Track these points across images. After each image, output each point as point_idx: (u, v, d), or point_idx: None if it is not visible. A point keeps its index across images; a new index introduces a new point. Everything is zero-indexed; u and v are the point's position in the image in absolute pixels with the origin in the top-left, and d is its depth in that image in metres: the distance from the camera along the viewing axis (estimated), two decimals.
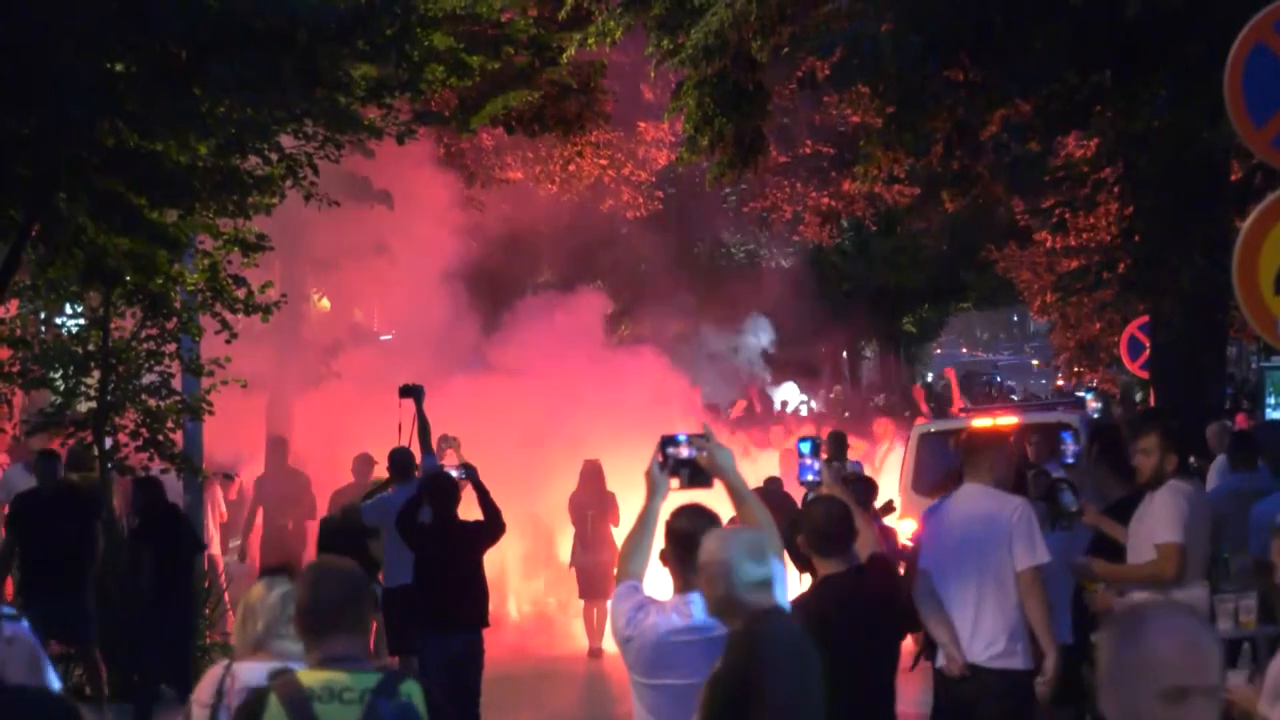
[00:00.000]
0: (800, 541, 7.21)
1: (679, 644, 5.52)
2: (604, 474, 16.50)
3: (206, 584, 14.75)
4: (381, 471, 13.93)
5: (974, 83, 13.27)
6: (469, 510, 11.43)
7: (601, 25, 16.94)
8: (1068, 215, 19.09)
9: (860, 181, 17.38)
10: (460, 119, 19.02)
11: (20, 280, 13.60)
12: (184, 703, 5.84)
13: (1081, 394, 30.07)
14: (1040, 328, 56.58)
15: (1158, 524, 8.12)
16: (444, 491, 11.19)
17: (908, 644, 8.53)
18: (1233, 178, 15.91)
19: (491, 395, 17.77)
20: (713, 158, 17.28)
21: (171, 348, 14.43)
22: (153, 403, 14.34)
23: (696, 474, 5.72)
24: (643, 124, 25.03)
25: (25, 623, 7.06)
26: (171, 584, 12.49)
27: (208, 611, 14.55)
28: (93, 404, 14.38)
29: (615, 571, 5.90)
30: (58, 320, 18.69)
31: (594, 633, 16.34)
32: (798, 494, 9.81)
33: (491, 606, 11.61)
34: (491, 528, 11.32)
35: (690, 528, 5.62)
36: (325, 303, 23.17)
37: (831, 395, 38.53)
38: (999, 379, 56.45)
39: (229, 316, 14.58)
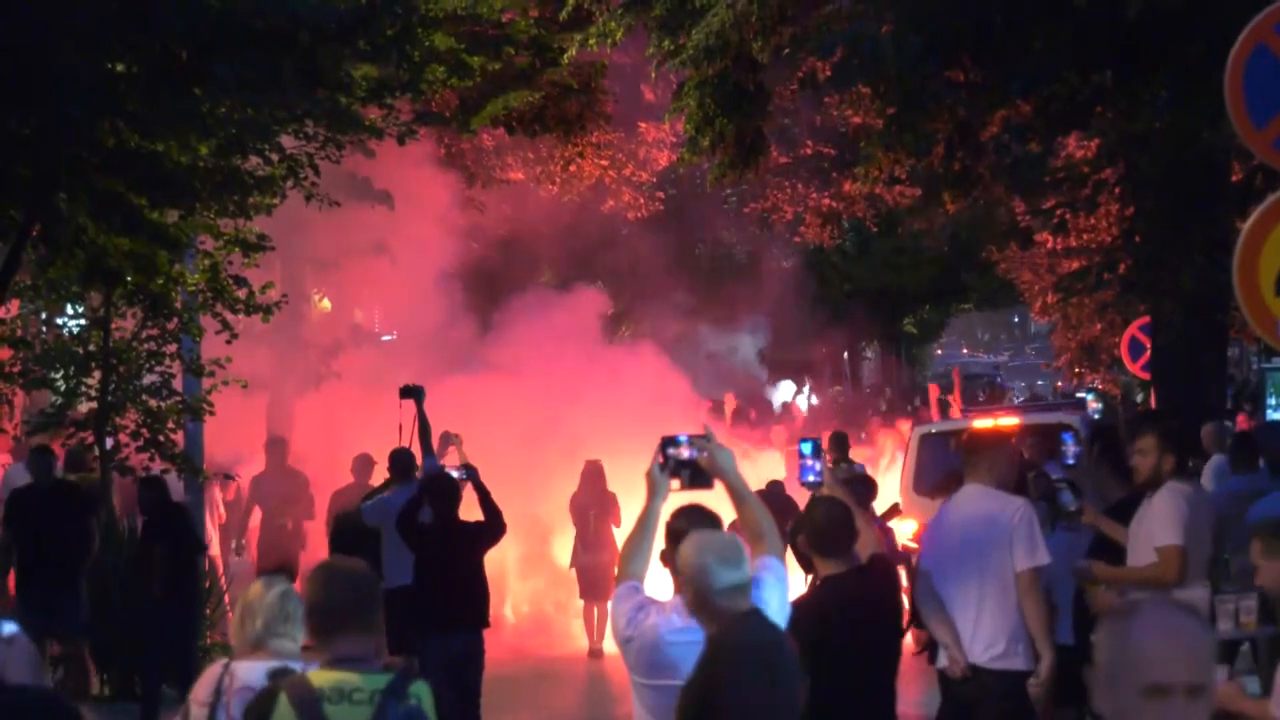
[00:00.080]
0: (801, 542, 7.21)
1: (679, 645, 5.51)
2: (605, 474, 16.50)
3: (207, 584, 14.75)
4: (382, 472, 13.92)
5: (975, 83, 13.28)
6: (470, 511, 11.43)
7: (602, 26, 16.94)
8: (1068, 216, 19.07)
9: (861, 182, 17.38)
10: (461, 119, 19.04)
11: (21, 280, 13.60)
12: (184, 702, 5.84)
13: (1081, 395, 30.08)
14: (1041, 329, 56.55)
15: (1157, 526, 8.11)
16: (444, 492, 11.19)
17: (908, 644, 8.53)
18: (1233, 179, 15.91)
19: (491, 395, 17.76)
20: (713, 158, 17.29)
21: (172, 348, 14.43)
22: (153, 403, 14.34)
23: (697, 475, 5.72)
24: (643, 124, 25.04)
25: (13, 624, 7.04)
26: (175, 584, 12.49)
27: (208, 612, 14.54)
28: (93, 404, 14.38)
29: (616, 572, 5.90)
30: (58, 320, 18.71)
31: (594, 633, 16.34)
32: (798, 495, 9.80)
33: (491, 607, 11.61)
34: (492, 528, 11.32)
35: (690, 528, 5.62)
36: (326, 303, 23.18)
37: (831, 394, 38.55)
38: (999, 378, 56.38)
39: (230, 317, 14.58)
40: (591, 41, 17.16)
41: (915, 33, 12.28)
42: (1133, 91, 13.11)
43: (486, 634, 11.21)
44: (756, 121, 16.77)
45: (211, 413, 14.73)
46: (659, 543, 5.82)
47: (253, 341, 16.02)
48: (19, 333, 14.70)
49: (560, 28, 18.50)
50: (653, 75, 19.02)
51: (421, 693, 4.74)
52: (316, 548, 15.84)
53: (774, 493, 12.79)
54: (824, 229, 27.12)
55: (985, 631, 7.91)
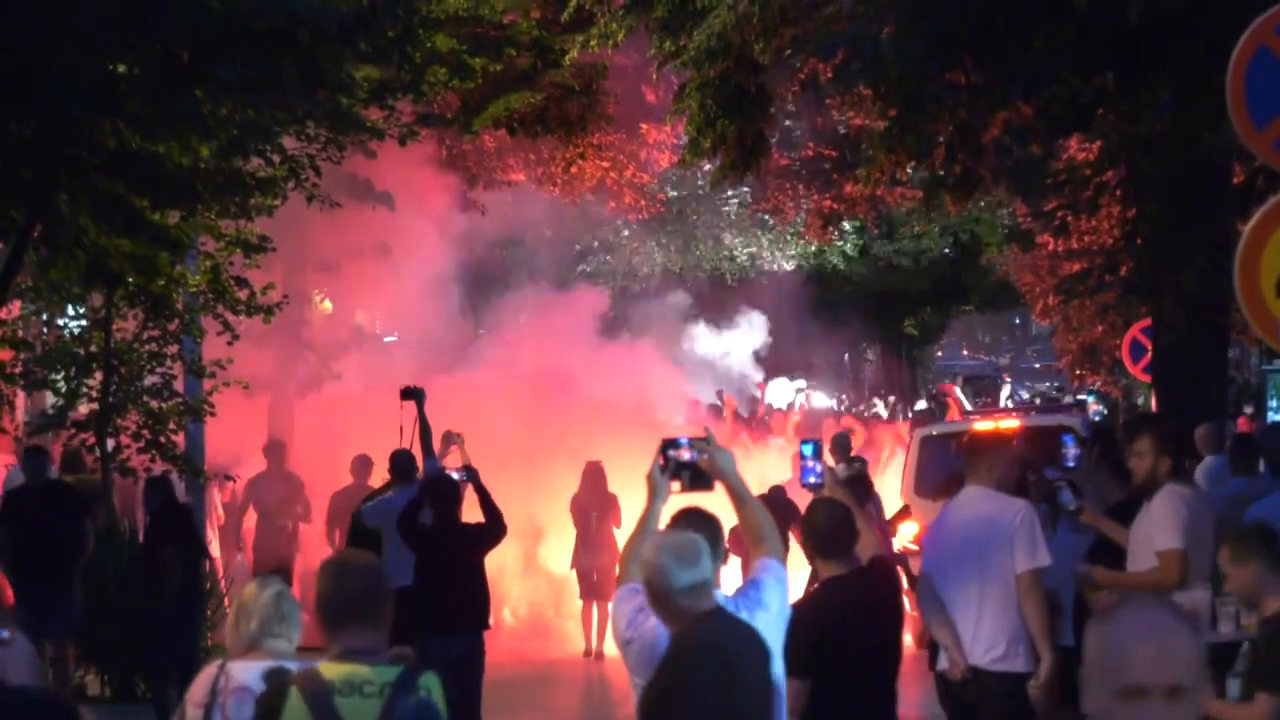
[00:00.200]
0: (802, 543, 7.21)
1: None
2: (606, 475, 16.50)
3: (208, 585, 14.75)
4: (381, 473, 13.92)
5: (976, 85, 13.25)
6: (470, 512, 11.43)
7: (604, 27, 16.93)
8: (1070, 218, 19.05)
9: (862, 184, 17.35)
10: (462, 120, 19.04)
11: (22, 281, 13.61)
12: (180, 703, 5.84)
13: (1082, 396, 30.07)
14: (1042, 330, 56.53)
15: (1157, 530, 8.10)
16: (445, 493, 11.19)
17: (909, 645, 8.53)
18: (1234, 180, 15.90)
19: (491, 395, 17.76)
20: (715, 160, 17.28)
21: (173, 349, 14.44)
22: (154, 404, 14.35)
23: (698, 477, 5.72)
24: (645, 126, 25.01)
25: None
26: (180, 585, 12.48)
27: (209, 613, 14.54)
28: (94, 405, 14.39)
29: (617, 574, 5.89)
30: (59, 322, 18.71)
31: (592, 635, 16.33)
32: (799, 497, 9.79)
33: (491, 608, 11.61)
34: (493, 530, 11.32)
35: (690, 530, 5.61)
36: (327, 304, 23.17)
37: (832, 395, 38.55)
38: (999, 379, 56.30)
39: (231, 318, 14.59)
40: (593, 43, 17.15)
41: (916, 35, 12.27)
42: (1134, 93, 13.09)
43: (486, 635, 11.21)
44: (758, 123, 16.75)
45: (213, 414, 14.73)
46: None
47: (254, 343, 16.01)
48: (20, 334, 14.71)
49: (562, 29, 18.49)
50: (654, 77, 19.02)
51: (431, 684, 4.77)
52: (312, 550, 15.85)
53: (775, 497, 12.78)
54: (825, 231, 27.12)
55: (986, 633, 7.90)
